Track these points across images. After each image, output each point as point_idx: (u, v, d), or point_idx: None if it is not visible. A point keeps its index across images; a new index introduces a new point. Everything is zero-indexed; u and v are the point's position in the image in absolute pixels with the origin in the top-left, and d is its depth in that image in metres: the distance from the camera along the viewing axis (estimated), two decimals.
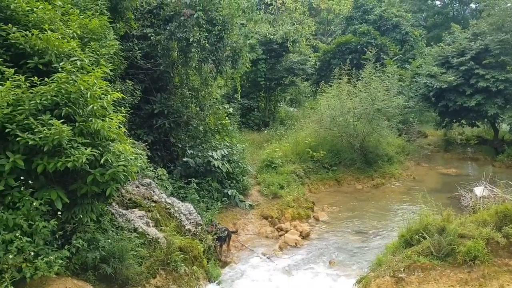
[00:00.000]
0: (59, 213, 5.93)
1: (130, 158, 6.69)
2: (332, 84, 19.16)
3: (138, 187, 9.37)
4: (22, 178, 5.65)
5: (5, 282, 5.17)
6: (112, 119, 6.65)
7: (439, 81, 21.72)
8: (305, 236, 12.33)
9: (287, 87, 25.03)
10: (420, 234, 6.91)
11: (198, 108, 13.06)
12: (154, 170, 10.75)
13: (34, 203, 5.63)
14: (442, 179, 18.21)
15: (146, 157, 8.84)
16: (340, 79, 18.82)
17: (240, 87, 16.93)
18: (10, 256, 5.27)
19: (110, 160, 6.29)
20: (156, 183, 10.27)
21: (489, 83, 20.41)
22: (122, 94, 7.46)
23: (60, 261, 5.70)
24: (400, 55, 28.07)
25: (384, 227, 12.53)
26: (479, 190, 13.19)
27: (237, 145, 14.59)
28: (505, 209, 6.99)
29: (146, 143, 11.19)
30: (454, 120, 23.89)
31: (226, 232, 10.60)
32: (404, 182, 17.74)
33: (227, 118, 15.33)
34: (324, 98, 19.12)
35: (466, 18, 41.48)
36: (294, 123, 21.47)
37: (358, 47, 28.02)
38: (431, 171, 19.66)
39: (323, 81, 20.30)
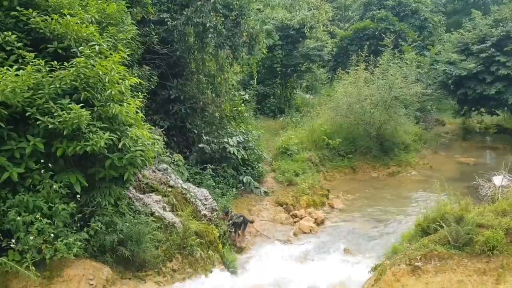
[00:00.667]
0: (78, 196, 6.02)
1: (148, 143, 6.76)
2: (349, 70, 18.94)
3: (154, 172, 9.43)
4: (42, 161, 5.74)
5: (26, 262, 5.28)
6: (129, 104, 6.71)
7: (458, 69, 21.32)
8: (319, 223, 12.32)
9: (304, 74, 24.86)
10: (437, 223, 6.84)
11: (214, 94, 13.05)
12: (171, 156, 10.81)
13: (54, 186, 5.72)
14: (460, 168, 17.98)
15: (163, 143, 8.90)
16: (357, 65, 18.58)
17: (256, 74, 16.85)
18: (31, 237, 5.38)
19: (127, 145, 6.35)
20: (173, 169, 10.33)
21: (510, 70, 19.95)
22: (139, 79, 7.48)
23: (79, 243, 5.79)
24: (419, 42, 27.50)
25: (400, 215, 12.44)
26: (498, 180, 12.98)
27: (253, 132, 14.59)
28: None
29: (163, 129, 11.26)
30: (473, 109, 23.48)
31: (242, 218, 10.58)
32: (420, 171, 17.55)
33: (243, 104, 15.32)
34: (340, 85, 18.92)
35: (487, 4, 40.39)
36: (310, 110, 21.34)
37: (376, 33, 27.54)
38: (448, 160, 19.41)
39: (340, 68, 20.10)
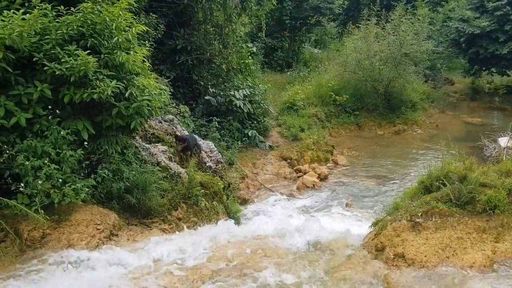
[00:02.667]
0: (85, 143, 6.07)
1: (154, 93, 6.73)
2: (359, 25, 18.52)
3: (161, 122, 9.45)
4: (49, 107, 5.74)
5: (35, 206, 5.40)
6: (136, 52, 6.62)
7: (471, 26, 20.82)
8: (323, 178, 12.47)
9: (313, 27, 24.33)
10: (441, 181, 6.86)
11: (221, 46, 12.84)
12: (177, 107, 10.79)
13: (62, 132, 5.75)
14: (466, 128, 17.93)
15: (169, 94, 8.86)
16: (369, 20, 18.16)
17: (264, 26, 16.50)
18: (39, 182, 5.46)
19: (134, 94, 6.33)
20: (179, 120, 10.34)
21: None
22: (146, 27, 7.35)
23: (87, 189, 5.88)
24: None
25: (403, 173, 12.54)
26: (503, 141, 12.96)
27: (259, 85, 14.46)
28: None
29: (169, 80, 11.17)
30: (484, 68, 23.12)
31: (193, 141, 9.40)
32: (426, 130, 17.52)
33: (250, 57, 15.10)
34: (350, 40, 18.56)
35: None
36: (318, 65, 21.09)
37: None
38: (455, 120, 19.32)
39: (350, 22, 19.59)
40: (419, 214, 6.47)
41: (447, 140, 8.13)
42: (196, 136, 9.98)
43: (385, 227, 6.62)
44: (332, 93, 17.03)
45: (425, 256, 5.73)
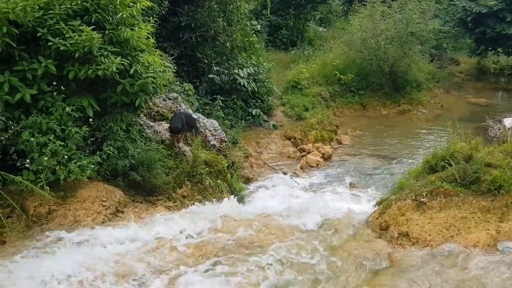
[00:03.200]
0: (90, 120, 6.05)
1: (159, 70, 6.69)
2: (365, 3, 18.24)
3: (165, 100, 9.41)
4: (54, 83, 5.71)
5: (41, 182, 5.41)
6: (141, 28, 6.55)
7: (478, 5, 20.50)
8: (327, 158, 12.46)
9: (318, 5, 23.94)
10: (446, 161, 6.85)
11: (225, 23, 12.67)
12: (181, 85, 10.73)
13: (67, 109, 5.74)
14: (471, 108, 17.81)
15: (173, 71, 8.79)
16: None
17: (269, 3, 16.24)
18: (45, 158, 5.47)
19: (139, 71, 6.30)
20: (183, 98, 10.30)
21: None
22: (151, 3, 7.25)
23: (92, 166, 5.89)
24: None
25: (408, 153, 12.53)
26: (508, 122, 12.88)
27: (264, 64, 14.33)
28: None
29: (173, 57, 11.08)
30: (490, 48, 22.84)
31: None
32: (431, 110, 17.43)
33: (254, 35, 14.91)
34: (356, 18, 18.31)
35: None
36: (323, 43, 20.86)
37: None
38: (460, 100, 19.19)
39: (356, 0, 19.30)
40: (424, 194, 6.47)
41: (453, 120, 8.07)
42: (193, 115, 9.28)
43: (389, 206, 6.63)
44: (337, 72, 16.89)
45: (430, 235, 5.75)
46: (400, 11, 17.33)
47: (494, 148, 7.22)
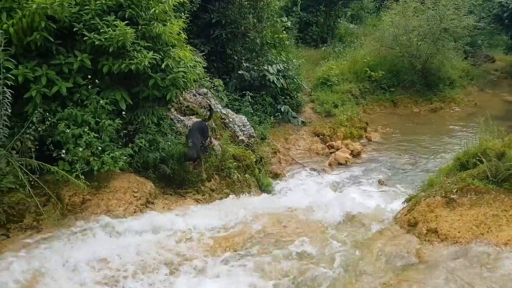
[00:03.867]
0: (123, 113, 6.23)
1: (190, 65, 6.82)
2: None
3: (195, 95, 9.56)
4: (89, 77, 5.91)
5: (76, 172, 5.62)
6: (173, 24, 6.69)
7: None
8: (355, 155, 12.37)
9: (349, 2, 23.74)
10: (477, 158, 6.72)
11: (255, 20, 12.74)
12: (211, 81, 10.87)
13: (101, 102, 5.93)
14: (506, 106, 17.32)
15: (203, 67, 8.92)
16: None
17: None
18: (80, 149, 5.67)
19: (170, 66, 6.44)
20: (212, 94, 10.43)
21: None
22: None
23: (124, 158, 6.07)
24: None
25: (439, 151, 12.30)
26: None
27: (293, 60, 14.33)
28: None
29: (203, 53, 11.22)
30: None
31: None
32: (464, 108, 17.04)
33: (284, 32, 14.93)
34: (388, 14, 18.07)
35: None
36: (353, 40, 20.66)
37: None
38: (494, 98, 18.69)
39: None
40: (454, 191, 6.38)
41: (486, 118, 7.90)
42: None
43: (418, 203, 6.56)
44: (368, 69, 16.71)
45: (459, 232, 5.66)
46: (433, 7, 17.00)
47: None
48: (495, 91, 19.76)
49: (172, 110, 8.34)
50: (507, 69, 22.90)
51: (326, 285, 4.73)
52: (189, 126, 7.88)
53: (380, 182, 10.38)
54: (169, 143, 7.02)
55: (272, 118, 12.47)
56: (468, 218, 5.86)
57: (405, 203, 7.21)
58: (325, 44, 20.82)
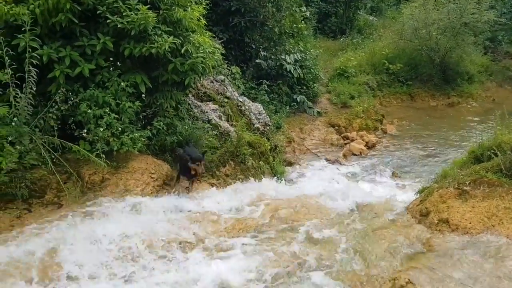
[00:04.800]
0: (142, 96, 6.37)
1: (208, 51, 6.91)
2: None
3: (212, 82, 9.68)
4: (111, 59, 6.05)
5: (96, 151, 5.80)
6: (193, 9, 6.78)
7: None
8: (370, 146, 12.39)
9: None
10: (492, 151, 6.72)
11: (274, 9, 12.76)
12: (228, 68, 10.96)
13: (122, 84, 6.07)
14: None
15: (221, 54, 9.02)
16: None
17: None
18: (100, 130, 5.83)
19: (190, 51, 6.54)
20: (229, 81, 10.54)
21: None
22: None
23: (143, 140, 6.22)
24: None
25: (454, 144, 12.26)
26: None
27: (311, 51, 14.34)
28: None
29: (221, 41, 11.31)
30: None
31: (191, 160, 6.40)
32: (482, 103, 16.89)
33: (303, 22, 14.92)
34: (408, 7, 17.91)
35: None
36: (372, 32, 20.53)
37: None
38: None
39: None
40: (467, 183, 6.40)
41: (502, 112, 7.87)
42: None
43: (431, 194, 6.60)
44: (386, 61, 16.63)
45: (470, 223, 5.70)
46: (454, 0, 16.80)
47: None
48: None
49: (190, 95, 8.46)
50: None
51: (336, 268, 4.84)
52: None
53: (394, 174, 10.41)
54: (186, 127, 7.14)
55: (287, 108, 12.54)
56: (480, 210, 5.89)
57: (418, 194, 7.26)
58: (343, 36, 20.74)
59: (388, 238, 5.49)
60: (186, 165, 6.40)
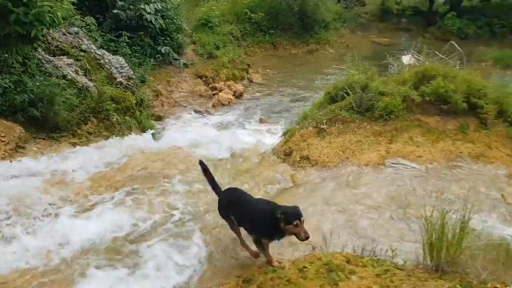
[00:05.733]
0: None
1: (56, 0, 6.28)
2: None
3: (65, 35, 8.87)
4: None
5: None
6: None
7: None
8: (238, 96, 12.63)
9: None
10: (345, 91, 7.33)
11: None
12: (82, 19, 10.12)
13: None
14: (374, 47, 18.73)
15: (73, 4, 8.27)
16: None
17: None
18: None
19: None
20: (84, 33, 9.76)
21: None
22: None
23: None
24: None
25: (315, 89, 13.05)
26: (406, 59, 13.78)
27: (172, 0, 13.85)
28: (424, 70, 7.50)
29: None
30: None
31: None
32: (337, 49, 18.09)
33: None
34: None
35: None
36: None
37: None
38: (364, 40, 20.06)
39: None
40: (324, 121, 6.94)
41: (354, 57, 8.56)
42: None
43: (293, 135, 7.03)
44: (248, 11, 16.81)
45: (327, 157, 6.23)
46: None
47: (388, 77, 7.82)
48: (365, 33, 21.16)
49: (40, 50, 7.68)
50: (375, 12, 24.47)
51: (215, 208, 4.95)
52: None
53: (262, 120, 10.80)
54: (37, 84, 6.51)
55: (152, 60, 12.10)
56: (336, 145, 6.46)
57: (283, 137, 7.67)
58: None
59: (256, 178, 5.76)
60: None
